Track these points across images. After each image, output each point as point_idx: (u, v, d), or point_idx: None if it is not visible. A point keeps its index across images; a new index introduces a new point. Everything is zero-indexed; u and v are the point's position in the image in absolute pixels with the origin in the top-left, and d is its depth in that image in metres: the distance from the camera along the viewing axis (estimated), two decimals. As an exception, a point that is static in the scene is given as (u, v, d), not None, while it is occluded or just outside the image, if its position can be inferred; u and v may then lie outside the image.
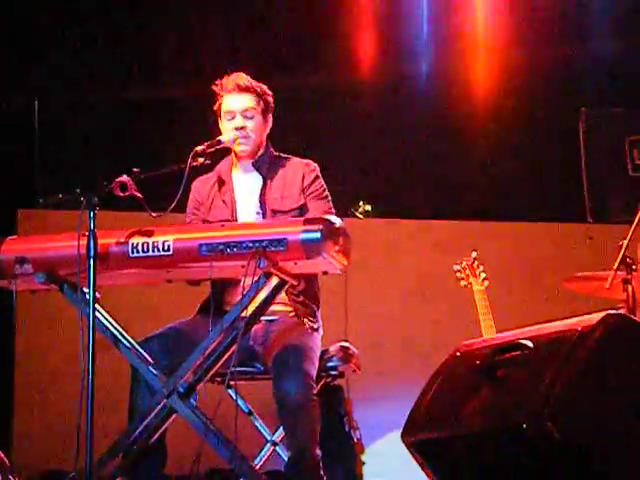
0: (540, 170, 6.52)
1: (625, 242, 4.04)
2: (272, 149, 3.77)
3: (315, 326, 3.63)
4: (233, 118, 3.67)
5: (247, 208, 3.68)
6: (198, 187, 3.79)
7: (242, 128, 3.65)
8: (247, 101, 3.67)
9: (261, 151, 3.74)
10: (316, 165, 3.74)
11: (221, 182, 3.75)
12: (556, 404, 2.74)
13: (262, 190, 3.68)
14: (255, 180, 3.71)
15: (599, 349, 2.81)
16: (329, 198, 3.71)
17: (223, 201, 3.71)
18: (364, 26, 6.31)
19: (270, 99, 3.73)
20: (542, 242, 6.37)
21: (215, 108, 3.74)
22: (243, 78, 3.69)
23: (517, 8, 6.38)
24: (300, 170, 3.70)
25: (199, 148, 3.52)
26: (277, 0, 6.24)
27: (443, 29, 6.43)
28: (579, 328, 2.87)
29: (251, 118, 3.67)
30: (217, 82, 3.72)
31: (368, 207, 6.56)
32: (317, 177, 3.71)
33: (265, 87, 3.74)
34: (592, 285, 4.40)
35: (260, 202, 3.67)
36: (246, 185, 3.72)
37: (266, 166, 3.72)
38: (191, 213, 3.78)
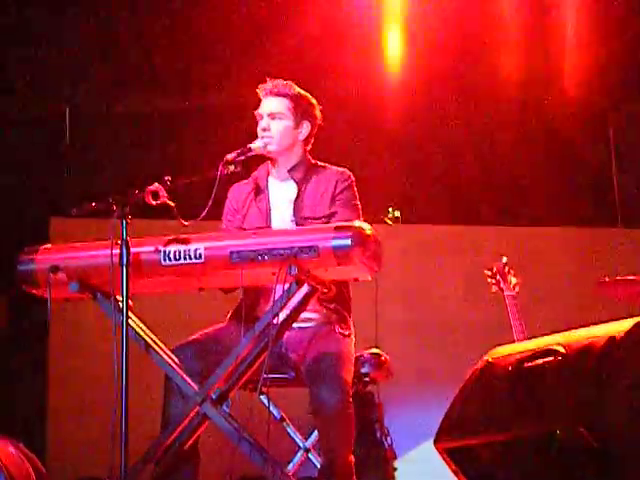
0: (571, 174, 6.49)
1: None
2: (309, 157, 3.78)
3: (347, 332, 3.64)
4: (262, 119, 3.71)
5: (282, 216, 3.69)
6: (234, 193, 3.81)
7: (265, 129, 3.68)
8: (275, 104, 3.70)
9: (296, 159, 3.74)
10: (351, 174, 3.74)
11: (258, 189, 3.76)
12: (589, 410, 2.73)
13: (296, 198, 3.69)
14: (290, 188, 3.73)
15: (632, 355, 2.80)
16: (358, 207, 3.69)
17: (258, 208, 3.72)
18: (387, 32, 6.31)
19: (309, 107, 3.74)
20: (573, 247, 6.34)
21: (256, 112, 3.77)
22: (279, 84, 3.72)
23: (550, 7, 6.34)
24: (334, 179, 3.70)
25: (230, 156, 3.55)
26: (297, 10, 6.24)
27: (470, 34, 6.41)
28: (611, 334, 2.86)
29: (277, 120, 3.69)
30: (260, 87, 3.75)
31: (397, 213, 6.55)
32: (349, 186, 3.71)
33: (307, 96, 3.76)
34: (624, 291, 4.37)
35: (294, 210, 3.68)
36: (281, 193, 3.74)
37: (302, 174, 3.73)
38: (226, 219, 3.79)
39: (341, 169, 3.76)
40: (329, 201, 3.67)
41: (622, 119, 6.38)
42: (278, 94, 3.72)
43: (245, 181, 3.82)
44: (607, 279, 4.51)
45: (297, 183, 3.71)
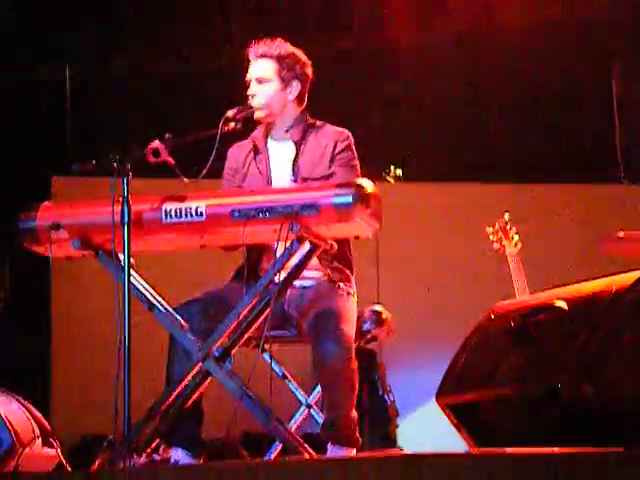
0: (573, 131, 6.46)
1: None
2: (307, 116, 3.74)
3: (350, 291, 3.64)
4: (250, 84, 3.68)
5: (281, 176, 3.66)
6: (234, 153, 3.78)
7: (253, 96, 3.65)
8: (261, 68, 3.66)
9: (291, 118, 3.70)
10: (349, 134, 3.70)
11: (257, 150, 3.74)
12: (591, 365, 2.73)
13: (295, 159, 3.67)
14: (289, 148, 3.70)
15: (635, 309, 2.80)
16: (357, 168, 3.66)
17: (258, 169, 3.70)
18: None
19: (297, 65, 3.68)
20: (576, 204, 6.33)
21: None
22: (263, 44, 3.66)
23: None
24: (333, 139, 3.67)
25: (230, 113, 3.53)
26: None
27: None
28: (614, 288, 2.86)
29: (264, 84, 3.65)
30: (248, 49, 3.70)
31: (399, 171, 6.55)
32: (348, 147, 3.67)
33: (295, 53, 3.69)
34: (627, 246, 4.36)
35: (293, 170, 3.66)
36: (280, 153, 3.71)
37: (299, 134, 3.69)
38: (226, 179, 3.77)
39: (339, 129, 3.72)
40: (328, 161, 3.64)
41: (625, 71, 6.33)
42: (263, 55, 3.66)
43: (245, 141, 3.80)
44: (612, 235, 4.49)
45: (295, 143, 3.69)
